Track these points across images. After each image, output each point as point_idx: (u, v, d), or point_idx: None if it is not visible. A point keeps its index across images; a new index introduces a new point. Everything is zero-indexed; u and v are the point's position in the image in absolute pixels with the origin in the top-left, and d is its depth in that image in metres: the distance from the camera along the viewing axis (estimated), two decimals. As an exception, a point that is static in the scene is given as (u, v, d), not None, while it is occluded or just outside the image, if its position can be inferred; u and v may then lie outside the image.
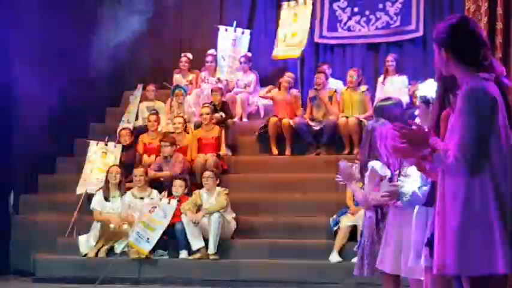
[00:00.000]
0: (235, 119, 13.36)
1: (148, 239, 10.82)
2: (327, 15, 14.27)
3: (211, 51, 14.26)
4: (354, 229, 10.31)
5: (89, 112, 13.81)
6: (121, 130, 12.79)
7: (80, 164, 12.44)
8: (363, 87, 12.74)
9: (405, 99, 11.85)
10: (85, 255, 11.13)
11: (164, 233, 10.91)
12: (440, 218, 3.84)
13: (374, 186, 5.69)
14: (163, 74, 14.57)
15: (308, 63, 14.07)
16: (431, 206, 4.32)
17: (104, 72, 13.57)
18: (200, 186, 11.32)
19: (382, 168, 5.65)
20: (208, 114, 12.43)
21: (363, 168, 5.82)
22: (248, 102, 13.66)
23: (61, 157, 13.24)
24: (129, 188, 11.54)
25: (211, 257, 10.74)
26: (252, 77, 13.87)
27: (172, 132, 12.55)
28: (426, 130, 4.00)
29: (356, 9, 14.14)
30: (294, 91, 13.03)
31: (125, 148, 12.42)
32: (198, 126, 12.81)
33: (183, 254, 10.88)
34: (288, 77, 13.00)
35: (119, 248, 11.06)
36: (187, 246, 10.83)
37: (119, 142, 12.56)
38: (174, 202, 11.05)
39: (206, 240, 10.79)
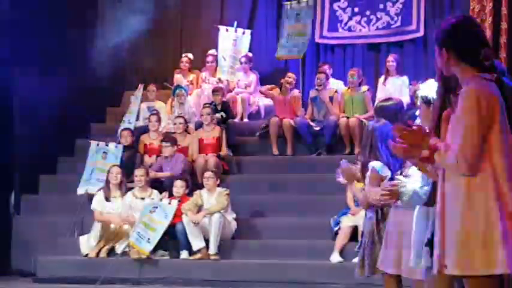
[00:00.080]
0: (236, 119, 13.37)
1: (149, 239, 10.82)
2: (327, 15, 14.27)
3: (212, 51, 14.26)
4: (354, 229, 10.30)
5: (90, 112, 13.82)
6: (122, 130, 12.78)
7: (81, 165, 12.44)
8: (364, 88, 12.74)
9: (406, 100, 11.86)
10: (86, 255, 11.13)
11: (165, 233, 10.91)
12: (441, 218, 3.84)
13: (375, 186, 5.69)
14: (164, 74, 14.58)
15: (309, 63, 14.07)
16: (432, 206, 4.32)
17: (104, 72, 13.58)
18: (201, 186, 11.32)
19: (383, 169, 5.65)
20: (209, 114, 12.44)
21: (364, 169, 5.82)
22: (249, 102, 13.66)
23: (62, 157, 13.24)
24: (130, 189, 11.53)
25: (212, 257, 10.74)
26: (252, 77, 13.87)
27: (173, 133, 12.55)
28: (427, 130, 4.00)
29: (356, 10, 14.14)
30: (295, 91, 13.03)
31: (125, 148, 12.41)
32: (199, 126, 12.81)
33: (184, 254, 10.88)
34: (290, 77, 13.00)
35: (119, 248, 11.06)
36: (188, 246, 10.83)
37: (119, 142, 12.56)
38: (174, 202, 11.05)
39: (207, 241, 10.79)
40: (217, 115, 12.79)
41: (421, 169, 4.30)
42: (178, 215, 10.94)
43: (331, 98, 12.69)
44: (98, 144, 12.52)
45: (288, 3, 13.97)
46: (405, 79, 12.86)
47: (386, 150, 5.56)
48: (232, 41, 14.29)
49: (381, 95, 12.36)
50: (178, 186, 11.21)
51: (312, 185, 11.72)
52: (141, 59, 14.53)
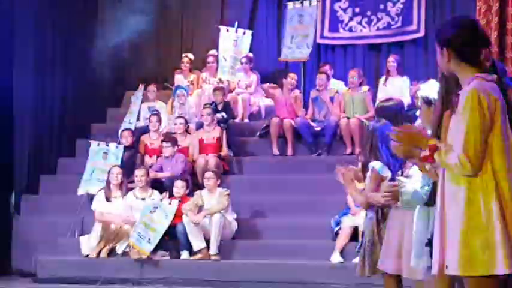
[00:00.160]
0: (237, 120, 13.37)
1: (149, 239, 10.82)
2: (328, 15, 14.27)
3: (213, 51, 14.26)
4: (355, 230, 10.31)
5: (90, 112, 13.81)
6: (122, 131, 12.79)
7: (81, 165, 12.43)
8: (364, 88, 12.74)
9: (407, 100, 11.85)
10: (86, 255, 11.13)
11: (165, 234, 10.91)
12: (441, 218, 3.84)
13: (375, 187, 5.69)
14: (164, 75, 14.59)
15: (309, 63, 14.06)
16: (433, 206, 4.32)
17: (105, 72, 13.59)
18: (201, 186, 11.32)
19: (383, 169, 5.65)
20: (209, 114, 12.44)
21: (364, 169, 5.82)
22: (249, 102, 13.66)
23: (62, 157, 13.24)
24: (131, 189, 11.53)
25: (212, 258, 10.74)
26: (253, 77, 13.87)
27: (174, 133, 12.55)
28: (426, 131, 4.00)
29: (357, 10, 14.14)
30: (296, 91, 13.03)
31: (126, 149, 12.41)
32: (199, 126, 12.81)
33: (185, 254, 10.88)
34: (292, 78, 13.00)
35: (120, 248, 11.06)
36: (189, 246, 10.83)
37: (120, 143, 12.56)
38: (175, 203, 11.05)
39: (207, 241, 10.79)
40: (218, 115, 12.79)
41: (422, 169, 4.30)
42: (178, 215, 10.94)
43: (331, 98, 12.69)
44: (98, 145, 12.52)
45: (291, 3, 13.94)
46: (406, 79, 12.86)
47: (386, 150, 5.56)
48: (233, 42, 14.29)
49: (381, 95, 12.35)
50: (179, 187, 11.21)
51: (313, 185, 11.71)
52: (142, 59, 14.53)
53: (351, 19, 14.18)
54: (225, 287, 10.44)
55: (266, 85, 13.24)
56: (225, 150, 12.46)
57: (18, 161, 12.73)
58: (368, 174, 5.74)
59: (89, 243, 11.19)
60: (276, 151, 12.65)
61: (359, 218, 9.86)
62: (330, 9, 14.28)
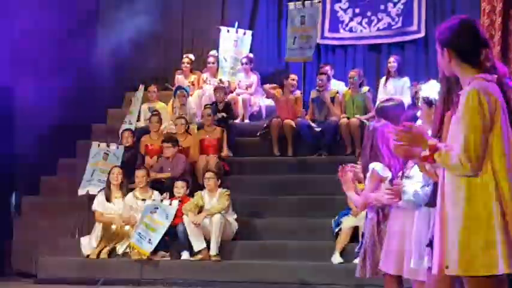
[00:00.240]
0: (237, 120, 13.37)
1: (150, 240, 10.82)
2: (328, 16, 14.27)
3: (213, 52, 14.27)
4: (355, 230, 10.30)
5: (91, 113, 13.81)
6: (123, 131, 12.79)
7: (82, 165, 12.44)
8: (365, 88, 12.74)
9: (407, 101, 11.84)
10: (87, 256, 11.13)
11: (166, 234, 10.91)
12: (441, 218, 3.84)
13: (375, 187, 5.69)
14: (165, 75, 14.59)
15: (310, 64, 14.06)
16: (434, 206, 4.32)
17: (105, 73, 13.59)
18: (202, 187, 11.32)
19: (383, 170, 5.65)
20: (209, 115, 12.45)
21: (365, 170, 5.82)
22: (250, 103, 13.66)
23: (63, 158, 13.25)
24: (131, 189, 11.53)
25: (212, 258, 10.74)
26: (253, 78, 13.88)
27: (174, 133, 12.55)
28: (427, 131, 4.00)
29: (357, 10, 14.15)
30: (297, 92, 13.03)
31: (126, 149, 12.41)
32: (200, 127, 12.81)
33: (185, 255, 10.89)
34: (293, 79, 13.00)
35: (120, 249, 11.06)
36: (189, 247, 10.83)
37: (120, 143, 12.56)
38: (175, 203, 11.06)
39: (208, 242, 10.79)
40: (219, 115, 12.80)
41: (422, 169, 4.30)
42: (179, 215, 10.95)
43: (332, 99, 12.69)
44: (99, 145, 12.53)
45: (292, 3, 13.93)
46: (406, 80, 12.86)
47: (387, 151, 5.56)
48: (233, 42, 14.30)
49: (382, 95, 12.35)
50: (179, 187, 11.21)
51: (313, 185, 11.72)
52: (143, 59, 14.53)
53: (351, 19, 14.18)
54: (225, 287, 10.44)
55: (267, 86, 13.24)
56: (225, 151, 12.47)
57: (19, 161, 12.74)
58: (368, 175, 5.74)
59: (89, 244, 11.19)
60: (276, 151, 12.65)
61: (359, 219, 9.85)
62: (330, 10, 14.28)
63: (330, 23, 14.27)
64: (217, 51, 14.28)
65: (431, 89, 5.06)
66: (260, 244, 11.11)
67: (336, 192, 10.59)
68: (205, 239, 10.81)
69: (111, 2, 14.37)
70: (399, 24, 13.88)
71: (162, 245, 10.92)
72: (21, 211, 12.51)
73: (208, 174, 11.20)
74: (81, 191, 12.13)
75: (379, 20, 14.00)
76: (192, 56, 14.26)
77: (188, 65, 14.11)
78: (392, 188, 5.26)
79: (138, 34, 13.61)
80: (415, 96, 11.67)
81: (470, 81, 3.83)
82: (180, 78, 14.05)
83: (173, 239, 10.99)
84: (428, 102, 5.08)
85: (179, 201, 11.08)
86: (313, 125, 12.57)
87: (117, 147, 12.46)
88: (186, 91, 13.36)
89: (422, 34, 13.70)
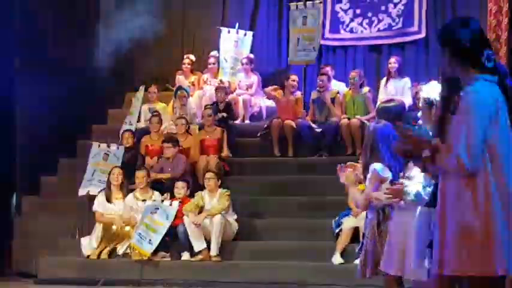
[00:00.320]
0: (238, 121, 13.37)
1: (150, 240, 10.82)
2: (329, 16, 14.26)
3: (214, 53, 14.27)
4: (356, 231, 10.29)
5: (91, 113, 13.81)
6: (123, 132, 12.79)
7: (82, 166, 12.43)
8: (365, 89, 12.74)
9: (408, 101, 11.86)
10: (87, 256, 11.13)
11: (166, 235, 10.91)
12: (441, 219, 3.85)
13: (375, 188, 5.69)
14: (165, 76, 14.59)
15: (310, 65, 14.05)
16: (434, 206, 4.33)
17: (106, 73, 13.58)
18: (203, 187, 11.31)
19: (384, 170, 5.65)
20: (210, 116, 12.45)
21: (365, 170, 5.82)
22: (250, 103, 13.66)
23: (63, 158, 13.24)
24: (132, 190, 11.53)
25: (213, 259, 10.73)
26: (254, 78, 13.88)
27: (175, 134, 12.55)
28: (428, 132, 4.01)
29: (358, 11, 14.14)
30: (298, 93, 13.03)
31: (127, 150, 12.41)
32: (200, 127, 12.81)
33: (185, 255, 10.88)
34: (293, 80, 13.00)
35: (121, 249, 11.06)
36: (189, 247, 10.83)
37: (121, 144, 12.56)
38: (176, 204, 11.06)
39: (208, 242, 10.78)
40: (219, 115, 12.80)
41: (423, 169, 4.30)
42: (179, 216, 10.95)
43: (332, 100, 12.69)
44: (99, 146, 12.52)
45: (293, 4, 13.91)
46: (407, 80, 12.85)
47: (387, 151, 5.56)
48: (234, 43, 14.30)
49: (382, 96, 12.35)
50: (180, 188, 11.21)
51: (313, 186, 11.72)
52: (143, 60, 14.53)
53: (352, 20, 14.18)
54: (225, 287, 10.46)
55: (268, 89, 13.25)
56: (225, 151, 12.47)
57: (19, 161, 12.73)
58: (369, 175, 5.74)
59: (89, 244, 11.18)
60: (276, 152, 12.65)
61: (360, 219, 9.84)
62: (331, 11, 14.28)
63: (330, 24, 14.27)
64: (218, 52, 14.28)
65: (432, 90, 5.07)
66: (260, 244, 11.10)
67: (336, 192, 10.61)
68: (205, 239, 10.81)
69: (112, 2, 14.37)
70: (400, 25, 13.87)
71: (162, 246, 10.92)
72: (21, 211, 12.51)
73: (208, 175, 11.20)
74: (82, 192, 12.12)
75: (379, 21, 14.00)
76: (192, 57, 14.26)
77: (189, 66, 14.12)
78: (392, 188, 5.26)
79: (139, 34, 13.60)
80: (415, 97, 11.74)
81: (471, 81, 3.83)
82: (180, 79, 14.05)
83: (173, 240, 10.98)
84: (429, 103, 5.08)
85: (179, 201, 11.08)
86: (313, 125, 12.57)
87: (118, 148, 12.45)
88: (186, 91, 13.36)
89: (422, 35, 13.70)
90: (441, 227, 3.83)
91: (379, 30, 14.01)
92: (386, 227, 5.67)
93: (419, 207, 5.08)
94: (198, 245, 10.77)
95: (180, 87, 13.47)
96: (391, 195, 5.25)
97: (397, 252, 5.44)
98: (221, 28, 14.41)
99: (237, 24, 14.35)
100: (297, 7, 13.85)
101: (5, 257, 12.07)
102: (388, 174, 5.62)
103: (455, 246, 3.73)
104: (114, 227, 11.12)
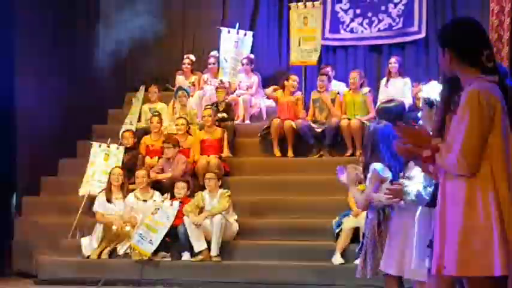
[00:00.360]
0: (238, 121, 13.37)
1: (150, 240, 10.82)
2: (329, 17, 14.26)
3: (214, 53, 14.27)
4: (356, 231, 10.30)
5: (91, 114, 13.81)
6: (124, 132, 12.79)
7: (82, 166, 12.43)
8: (365, 89, 12.74)
9: (408, 101, 11.87)
10: (88, 257, 11.13)
11: (166, 235, 10.91)
12: (441, 219, 3.85)
13: (375, 188, 5.69)
14: (165, 76, 14.59)
15: (311, 65, 14.05)
16: (434, 206, 4.33)
17: (106, 73, 13.58)
18: (203, 188, 11.32)
19: (384, 170, 5.65)
20: (210, 116, 12.44)
21: (365, 170, 5.83)
22: (250, 104, 13.66)
23: (63, 159, 13.24)
24: (132, 190, 11.53)
25: (213, 259, 10.73)
26: (254, 78, 13.87)
27: (175, 134, 12.55)
28: (429, 131, 4.00)
29: (358, 11, 14.14)
30: (298, 93, 13.03)
31: (127, 150, 12.41)
32: (201, 128, 12.81)
33: (186, 255, 10.88)
34: (294, 80, 13.00)
35: (121, 249, 11.06)
36: (190, 248, 10.83)
37: (121, 144, 12.56)
38: (176, 204, 11.05)
39: (208, 242, 10.78)
40: (219, 115, 12.80)
41: (423, 169, 4.31)
42: (179, 216, 10.94)
43: (332, 100, 12.69)
44: (99, 146, 12.52)
45: (294, 4, 13.90)
46: (407, 80, 12.86)
47: (387, 151, 5.57)
48: (234, 43, 14.30)
49: (382, 96, 12.34)
50: (180, 188, 11.21)
51: (314, 186, 11.71)
52: (143, 60, 14.53)
53: (352, 20, 14.18)
54: (226, 288, 10.46)
55: (269, 90, 13.25)
56: (226, 152, 12.47)
57: (20, 162, 12.72)
58: (369, 175, 5.74)
59: (90, 245, 11.18)
60: (277, 152, 12.65)
61: (360, 219, 9.84)
62: (331, 11, 14.28)
63: (330, 24, 14.27)
64: (218, 52, 14.28)
65: (432, 90, 5.06)
66: (260, 245, 11.10)
67: (336, 193, 10.62)
68: (206, 239, 10.81)
69: (112, 2, 14.36)
70: (400, 25, 13.88)
71: (162, 246, 10.92)
72: (22, 211, 12.51)
73: (208, 175, 11.20)
74: (82, 192, 12.13)
75: (379, 21, 14.00)
76: (192, 57, 14.26)
77: (189, 66, 14.12)
78: (392, 189, 5.26)
79: (139, 34, 13.60)
80: (416, 97, 11.75)
81: (471, 81, 3.83)
82: (180, 79, 14.05)
83: (174, 240, 10.98)
84: (429, 103, 5.08)
85: (180, 202, 11.08)
86: (313, 126, 12.57)
87: (118, 148, 12.45)
88: (186, 92, 13.36)
89: (423, 35, 13.70)
90: (441, 227, 3.83)
91: (379, 30, 14.01)
92: (387, 227, 5.67)
93: (419, 208, 5.08)
94: (199, 245, 10.78)
95: (180, 88, 13.47)
96: (391, 196, 5.25)
97: (397, 253, 5.44)
98: (221, 28, 14.40)
99: (237, 25, 14.34)
100: (297, 7, 13.84)
101: (5, 257, 12.07)
102: (388, 174, 5.62)
103: (455, 247, 3.73)
104: (114, 227, 11.12)
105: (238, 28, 14.32)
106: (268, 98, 13.56)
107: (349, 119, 12.37)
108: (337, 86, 13.26)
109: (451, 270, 3.75)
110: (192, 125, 12.93)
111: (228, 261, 10.82)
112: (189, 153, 12.30)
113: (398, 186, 5.20)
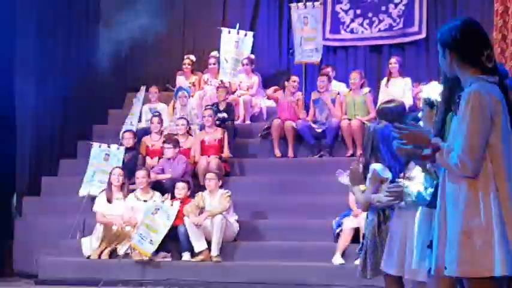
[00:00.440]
0: (238, 121, 13.37)
1: (151, 240, 10.81)
2: (329, 17, 14.27)
3: (214, 53, 14.27)
4: (356, 231, 10.30)
5: (92, 114, 13.82)
6: (124, 132, 12.79)
7: (83, 166, 12.44)
8: (366, 89, 12.74)
9: (409, 102, 11.87)
10: (88, 257, 11.13)
11: (167, 235, 10.90)
12: (441, 219, 3.85)
13: (375, 188, 5.69)
14: (166, 76, 14.59)
15: (311, 65, 14.06)
16: (435, 207, 4.33)
17: (106, 74, 13.59)
18: (203, 188, 11.32)
19: (384, 171, 5.65)
20: (210, 116, 12.44)
21: (365, 170, 5.83)
22: (251, 104, 13.66)
23: (64, 159, 13.24)
24: (132, 190, 11.54)
25: (214, 259, 10.74)
26: (254, 79, 13.88)
27: (175, 134, 12.55)
28: (429, 132, 4.00)
29: (359, 12, 14.15)
30: (299, 93, 13.03)
31: (127, 150, 12.41)
32: (201, 128, 12.82)
33: (186, 256, 10.88)
34: (294, 81, 13.00)
35: (121, 250, 11.06)
36: (190, 248, 10.83)
37: (121, 144, 12.56)
38: (176, 204, 11.05)
39: (209, 243, 10.78)
40: (220, 115, 12.81)
41: (424, 169, 4.31)
42: (180, 216, 10.94)
43: (333, 100, 12.69)
44: (100, 146, 12.53)
45: (294, 4, 13.90)
46: (408, 81, 12.86)
47: (387, 152, 5.56)
48: (234, 43, 14.30)
49: (383, 96, 12.34)
50: (180, 188, 11.21)
51: (314, 186, 11.72)
52: (144, 60, 14.53)
53: (352, 21, 14.18)
54: (226, 288, 10.46)
55: (270, 92, 13.26)
56: (226, 152, 12.47)
57: (20, 162, 12.74)
58: (369, 176, 5.74)
59: (90, 245, 11.18)
60: (277, 153, 12.65)
61: (360, 220, 9.85)
62: (331, 11, 14.28)
63: (331, 24, 14.28)
64: (218, 52, 14.28)
65: (432, 90, 5.06)
66: (261, 245, 11.10)
67: (336, 193, 10.62)
68: (206, 240, 10.81)
69: (113, 3, 14.37)
70: (400, 25, 13.88)
71: (163, 246, 10.92)
72: (22, 212, 12.51)
73: (209, 175, 11.20)
74: (82, 192, 12.14)
75: (380, 21, 14.00)
76: (193, 57, 14.26)
77: (189, 66, 14.12)
78: (391, 190, 5.26)
79: (139, 35, 13.61)
80: (416, 97, 11.75)
81: (471, 82, 3.83)
82: (181, 79, 14.05)
83: (174, 240, 10.98)
84: (430, 104, 5.08)
85: (180, 202, 11.07)
86: (314, 126, 12.57)
87: (118, 148, 12.45)
88: (187, 92, 13.36)
89: (423, 35, 13.71)
90: (441, 228, 3.83)
91: (379, 30, 14.02)
92: (387, 227, 5.67)
93: (419, 208, 5.08)
94: (199, 245, 10.78)
95: (180, 88, 13.47)
96: (391, 197, 5.25)
97: (398, 253, 5.44)
98: (222, 28, 14.40)
99: (237, 25, 14.35)
100: (297, 8, 13.84)
101: (5, 257, 12.08)
102: (388, 175, 5.62)
103: (456, 247, 3.73)
104: (114, 228, 11.12)
105: (239, 28, 14.32)
106: (268, 98, 13.57)
107: (349, 120, 12.38)
108: (338, 86, 13.27)
109: (452, 271, 3.75)
110: (192, 125, 12.93)
111: (229, 261, 10.83)
112: (190, 154, 12.31)
113: (398, 188, 5.20)
